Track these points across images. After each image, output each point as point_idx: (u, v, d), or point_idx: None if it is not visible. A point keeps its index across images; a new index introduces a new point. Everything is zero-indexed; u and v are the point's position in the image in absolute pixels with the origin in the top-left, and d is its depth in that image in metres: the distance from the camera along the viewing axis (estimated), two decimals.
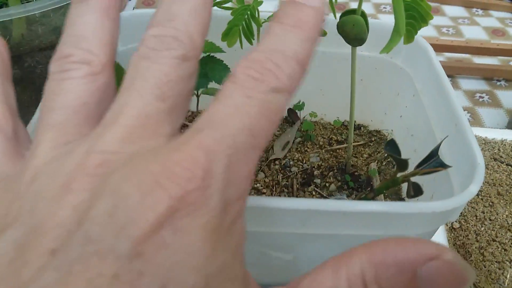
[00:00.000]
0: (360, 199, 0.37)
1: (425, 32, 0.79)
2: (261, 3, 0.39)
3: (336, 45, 0.45)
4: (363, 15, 0.35)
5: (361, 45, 0.37)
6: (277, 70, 0.17)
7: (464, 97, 0.67)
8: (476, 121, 0.63)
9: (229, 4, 0.40)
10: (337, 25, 0.36)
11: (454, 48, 0.66)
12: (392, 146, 0.32)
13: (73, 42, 0.19)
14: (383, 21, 0.43)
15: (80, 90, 0.18)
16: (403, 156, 0.44)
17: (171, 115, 0.18)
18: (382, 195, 0.41)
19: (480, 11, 0.85)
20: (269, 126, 0.17)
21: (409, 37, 0.33)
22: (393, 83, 0.45)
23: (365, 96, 0.47)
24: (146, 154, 0.16)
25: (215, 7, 0.41)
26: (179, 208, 0.14)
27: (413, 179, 0.33)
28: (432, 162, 0.33)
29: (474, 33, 0.79)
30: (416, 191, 0.31)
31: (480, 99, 0.66)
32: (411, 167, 0.42)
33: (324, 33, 0.39)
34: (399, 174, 0.34)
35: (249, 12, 0.37)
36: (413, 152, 0.41)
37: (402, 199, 0.42)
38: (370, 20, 0.44)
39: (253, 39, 0.38)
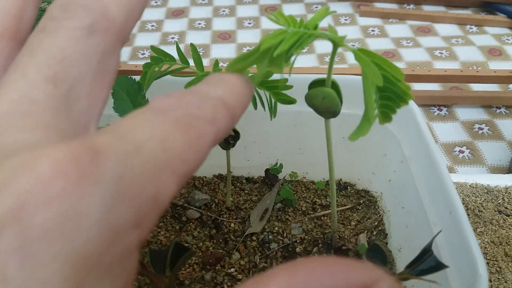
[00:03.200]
0: None
1: (417, 56, 0.73)
2: (220, 70, 0.33)
3: None
4: (334, 85, 0.30)
5: (334, 117, 0.32)
6: (200, 102, 0.16)
7: (462, 129, 0.62)
8: (476, 158, 0.58)
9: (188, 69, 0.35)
10: (305, 97, 0.31)
11: (448, 78, 0.61)
12: (375, 252, 0.27)
13: None
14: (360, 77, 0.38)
15: None
16: (395, 229, 0.39)
17: (69, 105, 0.14)
18: None
19: (474, 28, 0.80)
20: (187, 147, 0.14)
21: (386, 118, 0.28)
22: (379, 143, 0.40)
23: (349, 154, 0.42)
24: (16, 149, 0.12)
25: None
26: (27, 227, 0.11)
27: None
28: (426, 260, 0.28)
29: (469, 55, 0.73)
30: None
31: (480, 131, 0.61)
32: (405, 243, 0.37)
33: (293, 101, 0.34)
34: None
35: None
36: (405, 229, 0.36)
37: None
38: (350, 77, 0.39)
39: None
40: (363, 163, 0.43)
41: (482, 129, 0.62)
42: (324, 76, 0.30)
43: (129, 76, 0.36)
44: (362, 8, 0.83)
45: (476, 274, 0.24)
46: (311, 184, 0.46)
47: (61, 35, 0.15)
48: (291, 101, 0.34)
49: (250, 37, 0.80)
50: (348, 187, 0.45)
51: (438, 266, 0.28)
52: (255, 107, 0.35)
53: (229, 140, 0.38)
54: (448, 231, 0.28)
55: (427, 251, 0.28)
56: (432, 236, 0.28)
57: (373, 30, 0.81)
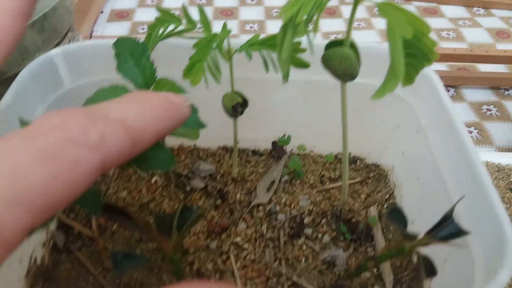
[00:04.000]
0: (358, 267, 0.31)
1: None
2: (229, 32, 0.32)
3: (323, 72, 0.39)
4: (353, 46, 0.29)
5: (352, 80, 0.30)
6: (89, 123, 0.15)
7: (470, 110, 0.61)
8: (484, 138, 0.57)
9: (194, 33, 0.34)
10: (322, 58, 0.29)
11: (457, 57, 0.60)
12: (396, 215, 0.26)
13: None
14: (380, 46, 0.36)
15: None
16: (407, 202, 0.38)
17: None
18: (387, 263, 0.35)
19: (482, 10, 0.79)
20: (51, 179, 0.13)
21: (409, 79, 0.26)
22: (393, 114, 0.38)
23: (360, 127, 0.41)
24: None
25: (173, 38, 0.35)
26: None
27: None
28: (447, 226, 0.27)
29: (476, 36, 0.72)
30: (429, 271, 0.25)
31: (488, 112, 0.60)
32: (419, 215, 0.36)
33: (306, 65, 0.33)
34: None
35: (215, 44, 0.31)
36: (420, 199, 0.34)
37: (410, 259, 0.35)
38: (365, 44, 0.38)
39: (220, 76, 0.31)
40: (375, 136, 0.41)
41: (490, 110, 0.61)
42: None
43: (132, 37, 0.34)
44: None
45: (503, 239, 0.23)
46: (319, 157, 0.45)
47: None
48: (305, 64, 0.32)
49: (253, 15, 0.79)
50: (358, 161, 0.44)
51: (459, 232, 0.27)
52: (267, 70, 0.33)
53: (237, 107, 0.37)
54: (470, 198, 0.27)
55: (447, 218, 0.27)
56: (451, 204, 0.27)
57: (358, 24, 0.79)
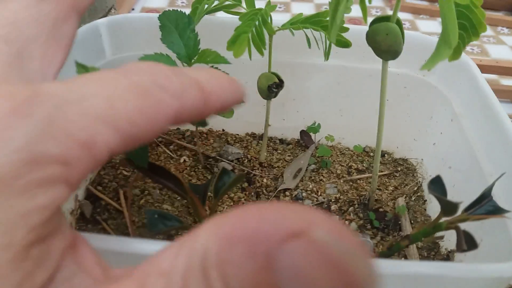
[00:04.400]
0: (390, 246, 0.30)
1: None
2: (274, 7, 0.33)
3: (360, 59, 0.39)
4: (399, 23, 0.29)
5: (394, 58, 0.31)
6: (173, 75, 0.16)
7: None
8: None
9: (238, 9, 0.34)
10: (367, 34, 0.30)
11: (483, 67, 0.60)
12: (437, 185, 0.26)
13: None
14: (414, 32, 0.37)
15: None
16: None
17: (21, 64, 0.16)
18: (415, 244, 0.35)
19: (506, 30, 0.80)
20: (138, 111, 0.15)
21: (456, 53, 0.27)
22: (426, 105, 0.39)
23: (390, 119, 0.41)
24: None
25: (222, 13, 0.36)
26: None
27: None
28: (485, 205, 0.27)
29: (501, 53, 0.73)
30: (469, 244, 0.25)
31: None
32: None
33: (348, 44, 0.33)
34: (443, 219, 0.27)
35: (260, 18, 0.31)
36: (451, 188, 0.34)
37: (438, 250, 0.35)
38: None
39: (264, 49, 0.32)
40: (405, 129, 0.42)
41: None
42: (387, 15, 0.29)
43: (178, 10, 0.35)
44: (393, 2, 0.83)
45: None
46: (346, 149, 0.45)
47: (13, 1, 0.16)
48: (346, 43, 0.33)
49: None
50: (385, 155, 0.44)
51: (497, 210, 0.27)
52: (309, 45, 0.34)
53: (272, 87, 0.37)
54: (509, 177, 0.27)
55: (486, 196, 0.27)
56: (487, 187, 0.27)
57: (404, 24, 0.80)
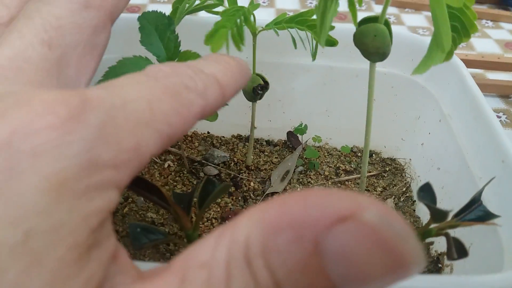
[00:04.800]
0: None
1: None
2: (257, 6, 0.32)
3: (346, 59, 0.39)
4: (387, 24, 0.29)
5: (382, 60, 0.30)
6: (193, 74, 0.16)
7: None
8: None
9: (219, 9, 0.33)
10: (354, 35, 0.29)
11: (470, 62, 0.60)
12: (427, 192, 0.25)
13: None
14: (402, 31, 0.36)
15: None
16: None
17: (59, 70, 0.16)
18: None
19: (491, 23, 0.80)
20: (173, 111, 0.15)
21: (448, 55, 0.26)
22: (413, 104, 0.38)
23: (377, 119, 0.40)
24: (9, 94, 0.14)
25: (203, 12, 0.35)
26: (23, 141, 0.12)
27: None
28: (475, 209, 0.27)
29: (486, 47, 0.73)
30: (460, 252, 0.24)
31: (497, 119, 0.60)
32: (439, 206, 0.35)
33: (335, 43, 0.32)
34: (433, 225, 0.27)
35: (242, 15, 0.30)
36: (440, 190, 0.34)
37: (428, 252, 0.35)
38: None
39: (243, 45, 0.31)
40: (392, 129, 0.41)
41: (499, 117, 0.61)
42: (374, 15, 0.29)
43: (158, 11, 0.34)
44: None
45: None
46: (334, 150, 0.44)
47: (58, 5, 0.17)
48: (333, 41, 0.32)
49: None
50: (373, 155, 0.44)
51: (487, 216, 0.26)
52: (295, 46, 0.33)
53: (257, 89, 0.36)
54: (498, 181, 0.27)
55: (475, 201, 0.27)
56: (477, 190, 0.27)
57: (388, 18, 0.79)
